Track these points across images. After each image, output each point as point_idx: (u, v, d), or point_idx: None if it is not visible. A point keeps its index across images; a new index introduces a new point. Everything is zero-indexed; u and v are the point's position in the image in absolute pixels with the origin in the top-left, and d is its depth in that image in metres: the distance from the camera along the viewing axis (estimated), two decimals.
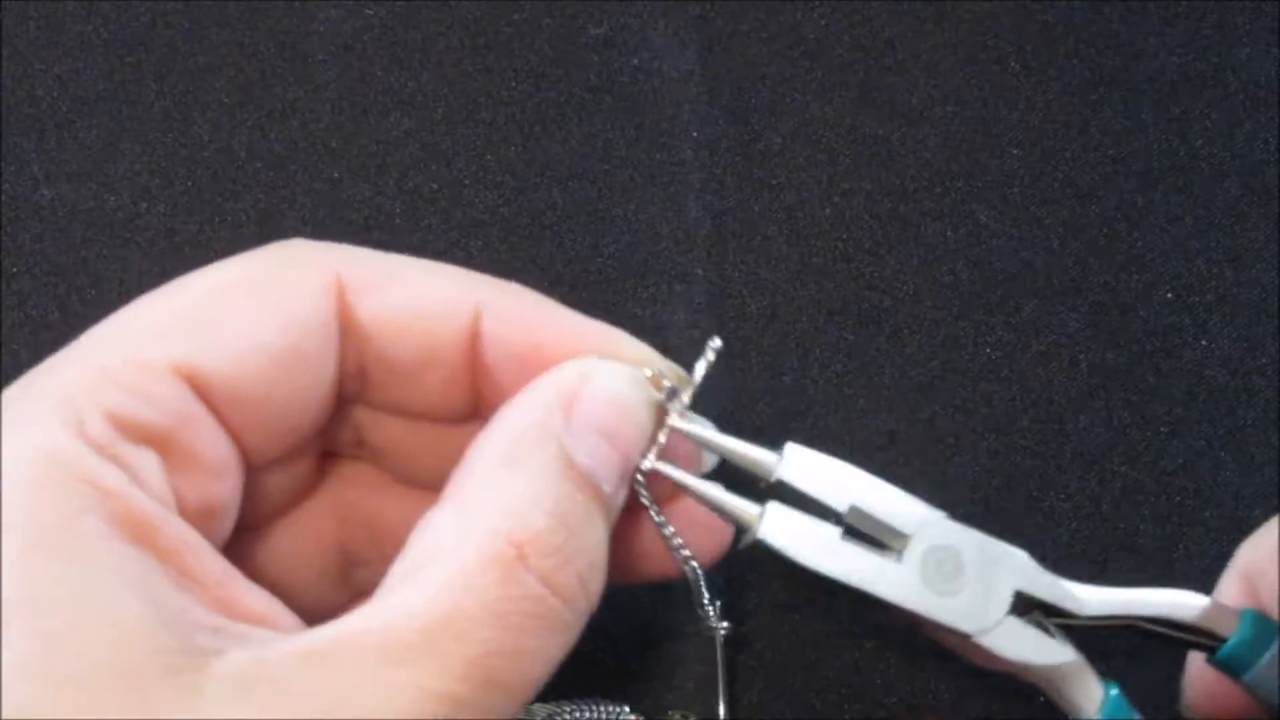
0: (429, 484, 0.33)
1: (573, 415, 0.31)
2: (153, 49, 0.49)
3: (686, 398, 0.34)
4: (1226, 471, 0.44)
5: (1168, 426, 0.45)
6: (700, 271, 0.46)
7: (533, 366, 0.32)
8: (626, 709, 0.40)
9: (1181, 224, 0.47)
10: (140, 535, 0.27)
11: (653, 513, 0.34)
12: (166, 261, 0.46)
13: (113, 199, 0.47)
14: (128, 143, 0.48)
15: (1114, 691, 0.33)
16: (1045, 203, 0.47)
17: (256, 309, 0.31)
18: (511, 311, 0.33)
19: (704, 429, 0.34)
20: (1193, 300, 0.46)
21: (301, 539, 0.35)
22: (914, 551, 0.33)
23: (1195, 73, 0.49)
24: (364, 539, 0.36)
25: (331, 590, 0.36)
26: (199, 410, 0.30)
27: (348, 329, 0.32)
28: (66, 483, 0.27)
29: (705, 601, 0.36)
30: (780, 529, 0.33)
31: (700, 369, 0.34)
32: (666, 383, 0.33)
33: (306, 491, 0.35)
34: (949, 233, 0.47)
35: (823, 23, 0.49)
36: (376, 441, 0.35)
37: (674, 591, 0.41)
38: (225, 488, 0.31)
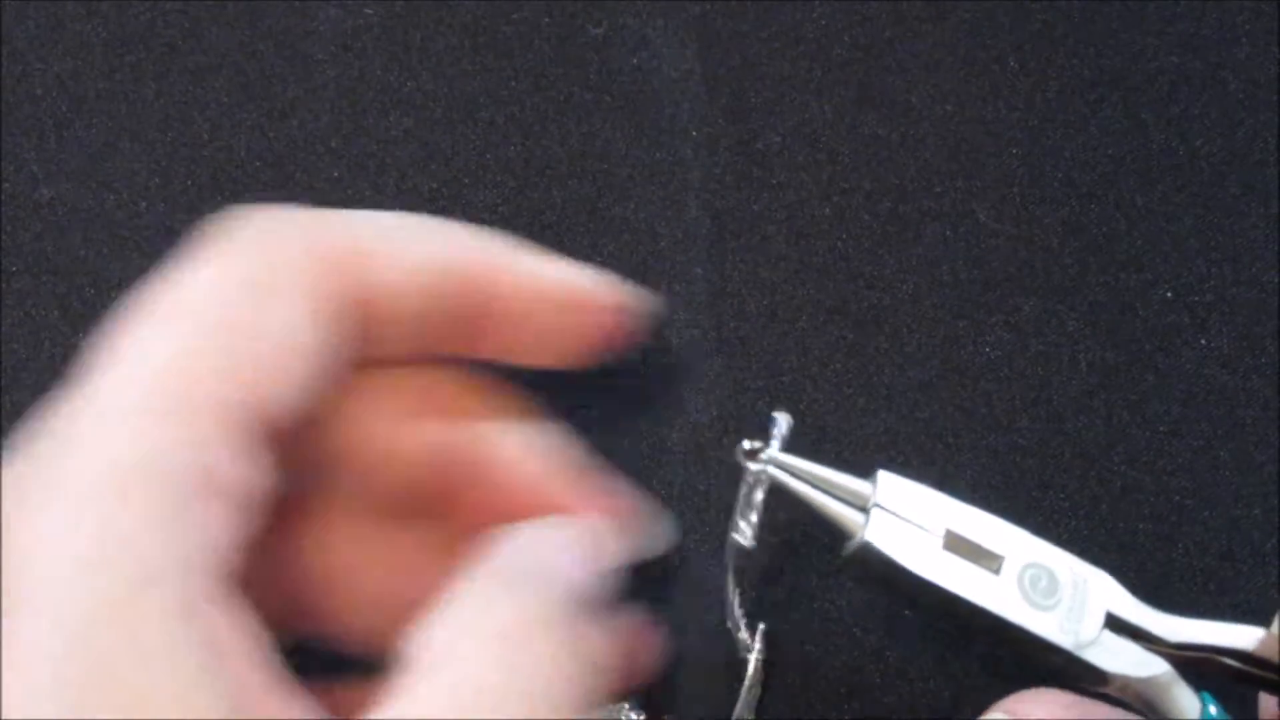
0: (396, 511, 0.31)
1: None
2: (153, 49, 0.49)
3: (776, 449, 0.34)
4: (1226, 471, 0.44)
5: (1167, 426, 0.45)
6: (699, 271, 0.46)
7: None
8: (626, 705, 0.40)
9: (1181, 223, 0.47)
10: (200, 620, 0.24)
11: (734, 594, 0.34)
12: (166, 260, 0.46)
13: (112, 198, 0.47)
14: (127, 142, 0.48)
15: (1210, 703, 0.33)
16: (1045, 202, 0.47)
17: (280, 327, 0.28)
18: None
19: (796, 463, 0.34)
20: (1192, 300, 0.46)
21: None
22: (1010, 568, 0.33)
23: (1195, 73, 0.49)
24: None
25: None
26: (253, 456, 0.27)
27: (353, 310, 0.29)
28: (125, 558, 0.24)
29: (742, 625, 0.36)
30: (886, 535, 0.33)
31: (782, 426, 0.34)
32: (746, 444, 0.34)
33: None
34: (948, 232, 0.47)
35: (822, 22, 0.49)
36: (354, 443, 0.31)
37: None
38: (260, 524, 0.28)
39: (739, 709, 0.40)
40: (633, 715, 0.40)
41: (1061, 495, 0.44)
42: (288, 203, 0.47)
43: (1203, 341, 0.45)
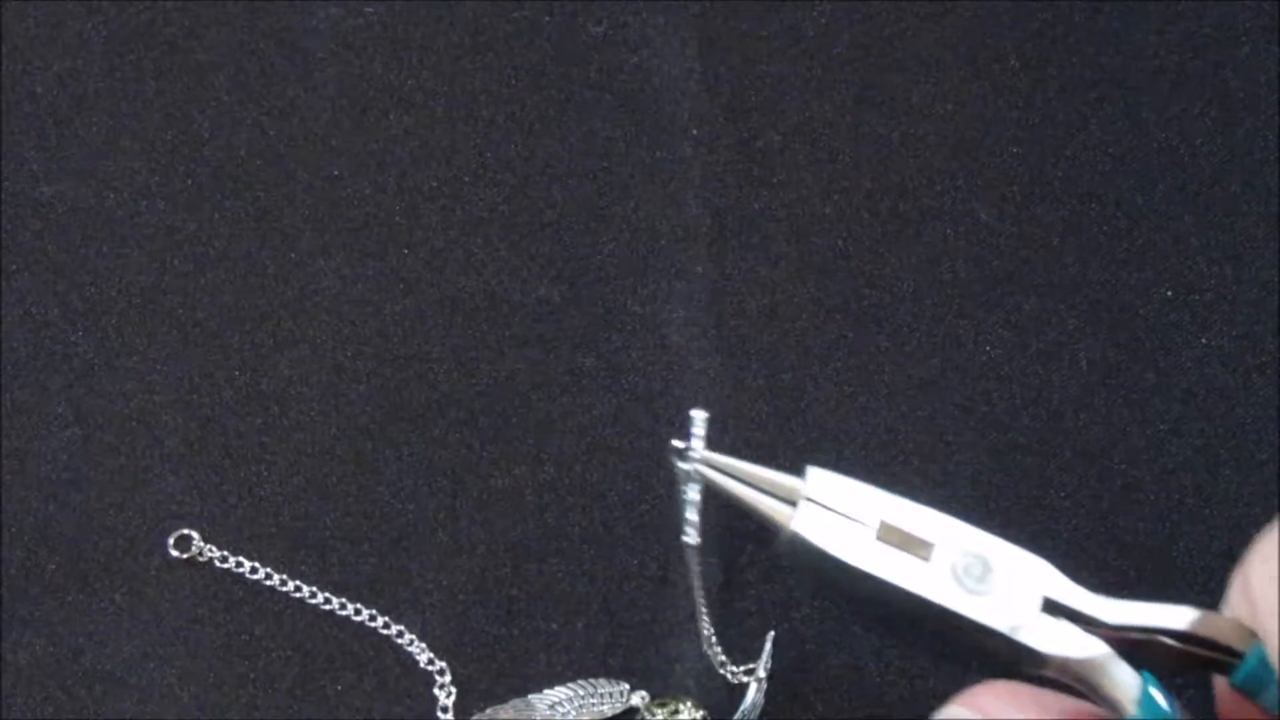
0: None
1: None
2: (153, 47, 0.49)
3: (699, 444, 0.34)
4: (1226, 471, 0.44)
5: (1168, 425, 0.44)
6: (700, 269, 0.46)
7: None
8: (627, 686, 0.40)
9: (1181, 222, 0.47)
10: None
11: (696, 576, 0.34)
12: (166, 259, 0.46)
13: (113, 197, 0.47)
14: (128, 140, 0.48)
15: (1151, 683, 0.33)
16: (1045, 201, 0.47)
17: None
18: None
19: (725, 461, 0.34)
20: (1193, 299, 0.46)
21: None
22: (943, 555, 0.33)
23: (1195, 72, 0.49)
24: None
25: None
26: None
27: None
28: None
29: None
30: (815, 525, 0.33)
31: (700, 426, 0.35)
32: (676, 443, 0.34)
33: None
34: (949, 231, 0.47)
35: (822, 21, 0.49)
36: None
37: (675, 589, 0.41)
38: None
39: (742, 710, 0.40)
40: (635, 694, 0.40)
41: (1062, 494, 0.44)
42: (287, 201, 0.47)
43: (1203, 340, 0.45)
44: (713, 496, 0.35)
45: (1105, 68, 0.49)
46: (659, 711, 0.40)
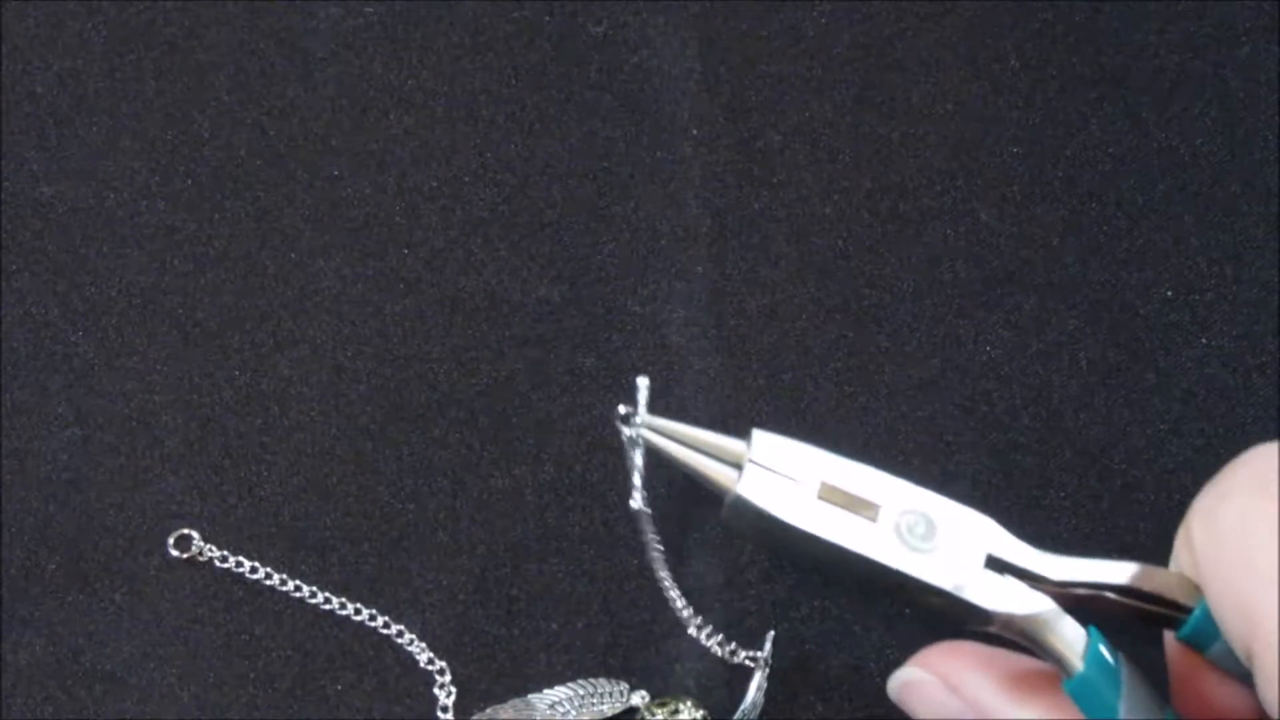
0: None
1: None
2: (153, 47, 0.49)
3: (642, 410, 0.34)
4: None
5: (1167, 425, 0.44)
6: (700, 269, 0.46)
7: None
8: (627, 686, 0.40)
9: (1181, 222, 0.47)
10: None
11: (654, 549, 0.34)
12: (166, 259, 0.46)
13: (113, 197, 0.47)
14: (128, 140, 0.48)
15: (1095, 636, 0.33)
16: (1045, 201, 0.47)
17: None
18: None
19: (670, 426, 0.34)
20: (1193, 298, 0.46)
21: None
22: (887, 515, 0.34)
23: (1195, 72, 0.49)
24: None
25: None
26: None
27: None
28: None
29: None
30: (760, 488, 0.33)
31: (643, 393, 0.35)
32: (620, 408, 0.34)
33: None
34: (949, 231, 0.47)
35: (822, 21, 0.50)
36: None
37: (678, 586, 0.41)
38: None
39: (742, 709, 0.40)
40: (634, 694, 0.40)
41: (1062, 494, 0.44)
42: (287, 201, 0.47)
43: (1203, 340, 0.45)
44: (661, 462, 0.35)
45: (1105, 68, 0.49)
46: (659, 711, 0.40)
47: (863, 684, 0.42)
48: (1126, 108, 0.49)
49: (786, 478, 0.34)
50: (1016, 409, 0.45)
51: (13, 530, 0.42)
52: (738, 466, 0.34)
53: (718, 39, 0.49)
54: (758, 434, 0.34)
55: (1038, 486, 0.44)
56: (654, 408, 0.34)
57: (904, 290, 0.46)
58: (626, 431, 0.35)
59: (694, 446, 0.35)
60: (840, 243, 0.47)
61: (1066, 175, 0.48)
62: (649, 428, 0.35)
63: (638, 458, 0.35)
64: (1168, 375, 0.45)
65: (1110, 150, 0.48)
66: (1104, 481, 0.44)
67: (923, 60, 0.49)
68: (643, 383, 0.35)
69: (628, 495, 0.35)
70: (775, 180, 0.47)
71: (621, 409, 0.35)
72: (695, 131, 0.48)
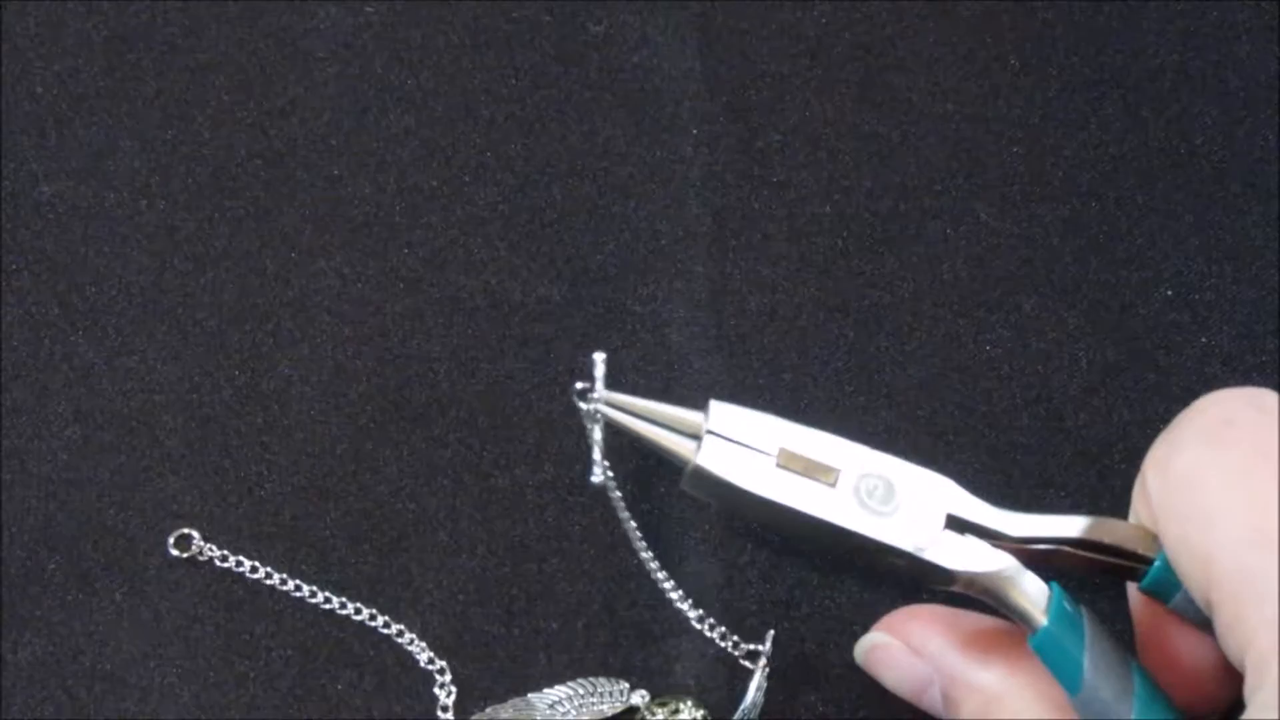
0: None
1: None
2: (152, 47, 0.49)
3: (599, 385, 0.34)
4: None
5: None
6: (700, 269, 0.46)
7: None
8: (627, 686, 0.40)
9: (1181, 221, 0.47)
10: None
11: (623, 514, 0.35)
12: (166, 259, 0.46)
13: (112, 196, 0.47)
14: (127, 140, 0.48)
15: (1057, 591, 0.33)
16: (1045, 200, 0.47)
17: None
18: None
19: (628, 400, 0.35)
20: (1193, 298, 0.46)
21: None
22: (846, 480, 0.34)
23: (1195, 71, 0.49)
24: None
25: None
26: None
27: None
28: None
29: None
30: (718, 457, 0.34)
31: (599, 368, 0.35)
32: (578, 385, 0.35)
33: None
34: (949, 230, 0.47)
35: (823, 20, 0.50)
36: None
37: (677, 584, 0.41)
38: None
39: (742, 709, 0.40)
40: (635, 693, 0.40)
41: (1062, 494, 0.44)
42: (287, 201, 0.47)
43: (1203, 340, 0.45)
44: (620, 436, 0.35)
45: (1105, 68, 0.49)
46: (659, 711, 0.40)
47: (863, 684, 0.42)
48: (1126, 108, 0.49)
49: (745, 446, 0.34)
50: (1017, 408, 0.45)
51: (13, 530, 0.42)
52: (696, 438, 0.34)
53: (718, 39, 0.49)
54: (715, 404, 0.34)
55: (1038, 486, 0.44)
56: None
57: (904, 290, 0.46)
58: (584, 407, 0.35)
59: (653, 420, 0.35)
60: (840, 242, 0.47)
61: (1066, 175, 0.48)
62: (607, 403, 0.35)
63: (597, 433, 0.35)
64: (1168, 375, 0.45)
65: (1110, 149, 0.48)
66: (1104, 481, 0.44)
67: (923, 60, 0.49)
68: (599, 357, 0.35)
69: (588, 472, 0.35)
70: (775, 179, 0.47)
71: (579, 385, 0.35)
72: (695, 131, 0.48)
